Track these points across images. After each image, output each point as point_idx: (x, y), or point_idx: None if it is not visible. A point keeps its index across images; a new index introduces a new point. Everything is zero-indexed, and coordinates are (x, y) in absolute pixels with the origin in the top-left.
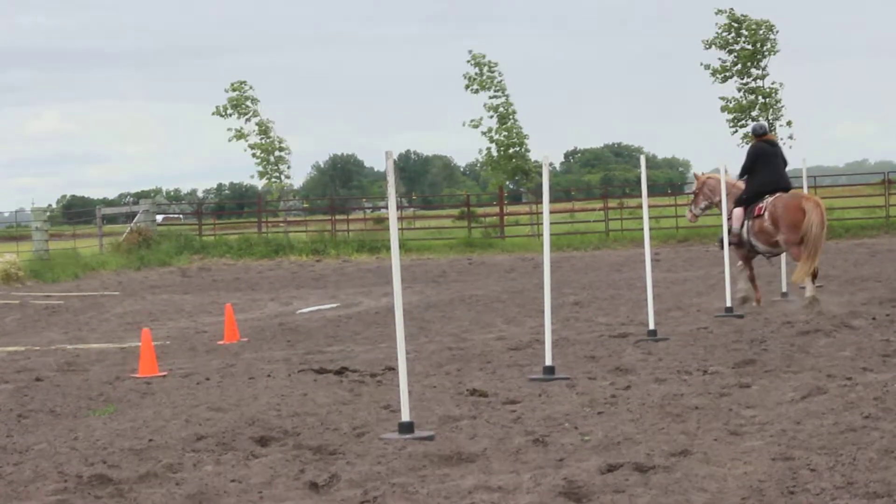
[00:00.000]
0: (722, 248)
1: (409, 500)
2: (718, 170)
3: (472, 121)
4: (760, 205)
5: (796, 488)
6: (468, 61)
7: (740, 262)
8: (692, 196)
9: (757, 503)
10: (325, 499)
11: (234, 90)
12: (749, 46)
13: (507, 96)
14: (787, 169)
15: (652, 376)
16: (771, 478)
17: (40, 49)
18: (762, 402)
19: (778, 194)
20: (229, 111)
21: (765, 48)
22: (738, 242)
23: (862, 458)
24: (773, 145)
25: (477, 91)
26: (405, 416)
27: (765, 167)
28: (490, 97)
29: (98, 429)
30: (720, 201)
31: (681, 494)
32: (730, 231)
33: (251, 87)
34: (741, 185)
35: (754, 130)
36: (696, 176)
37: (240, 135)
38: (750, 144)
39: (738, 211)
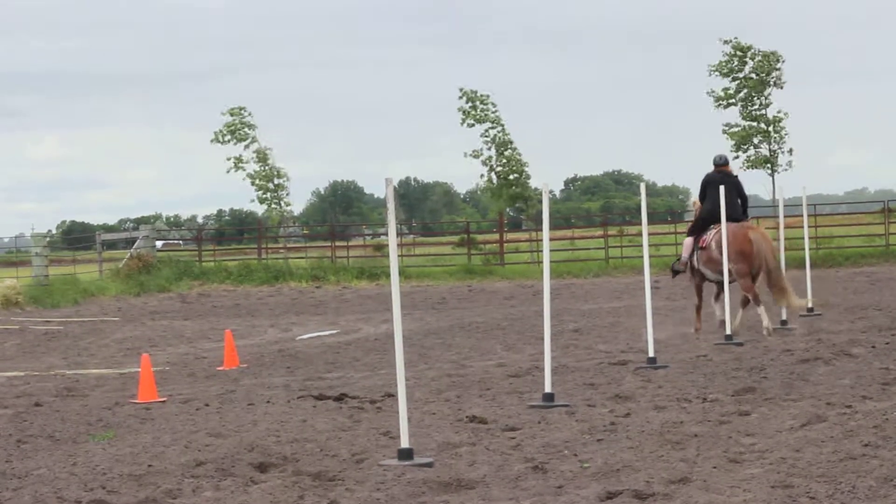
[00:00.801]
0: (674, 276)
1: None
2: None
3: (473, 151)
4: (704, 236)
5: None
6: (459, 97)
7: (716, 291)
8: (691, 223)
9: None
10: None
11: (231, 115)
12: (755, 76)
13: (503, 126)
14: (765, 200)
15: (651, 404)
16: None
17: (41, 73)
18: (762, 429)
19: (721, 226)
20: (227, 137)
21: (770, 78)
22: (690, 270)
23: (861, 487)
24: (728, 176)
25: (472, 125)
26: (404, 443)
27: (713, 197)
28: (486, 130)
29: (97, 454)
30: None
31: None
32: (678, 259)
33: (249, 113)
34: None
35: (714, 160)
36: (694, 203)
37: (238, 163)
38: (705, 174)
39: (688, 241)
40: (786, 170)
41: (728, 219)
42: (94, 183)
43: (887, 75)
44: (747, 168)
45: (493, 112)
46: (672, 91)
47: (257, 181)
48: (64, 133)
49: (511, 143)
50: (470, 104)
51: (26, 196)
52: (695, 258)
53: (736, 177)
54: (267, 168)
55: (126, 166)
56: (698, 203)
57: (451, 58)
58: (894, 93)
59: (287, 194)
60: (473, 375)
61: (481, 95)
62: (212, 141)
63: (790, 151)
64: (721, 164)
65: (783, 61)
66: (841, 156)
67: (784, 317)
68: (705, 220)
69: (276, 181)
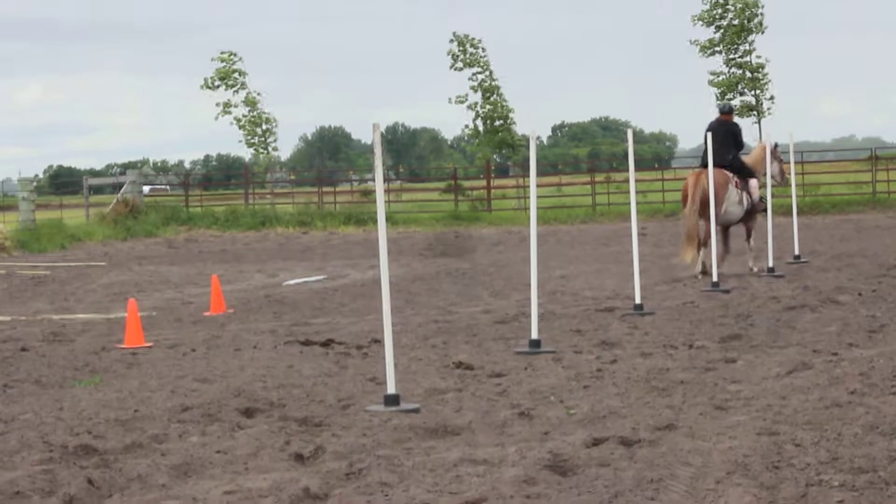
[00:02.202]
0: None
1: (394, 472)
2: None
3: (457, 97)
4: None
5: (781, 463)
6: (451, 40)
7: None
8: None
9: (741, 478)
10: (311, 470)
11: (222, 61)
12: (736, 23)
13: (490, 72)
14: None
15: (638, 350)
16: (756, 452)
17: (27, 20)
18: (748, 377)
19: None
20: (217, 83)
21: (751, 24)
22: None
23: (847, 434)
24: (724, 124)
25: (461, 69)
26: (391, 389)
27: (709, 144)
28: (474, 74)
29: (84, 399)
30: (764, 172)
31: (665, 468)
32: None
33: (240, 59)
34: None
35: (719, 108)
36: None
37: (227, 108)
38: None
39: None
40: (766, 116)
41: (715, 165)
42: (80, 128)
43: (876, 22)
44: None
45: (482, 56)
46: (660, 38)
47: (246, 126)
48: (50, 79)
49: (498, 88)
50: (460, 48)
51: (12, 141)
52: None
53: (735, 124)
54: (255, 113)
55: (113, 112)
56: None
57: (441, 6)
58: (883, 41)
59: (275, 140)
60: (460, 322)
61: (473, 39)
62: (202, 86)
63: (772, 98)
64: (724, 111)
65: (763, 6)
66: (829, 103)
67: (770, 263)
68: (701, 166)
69: (263, 127)
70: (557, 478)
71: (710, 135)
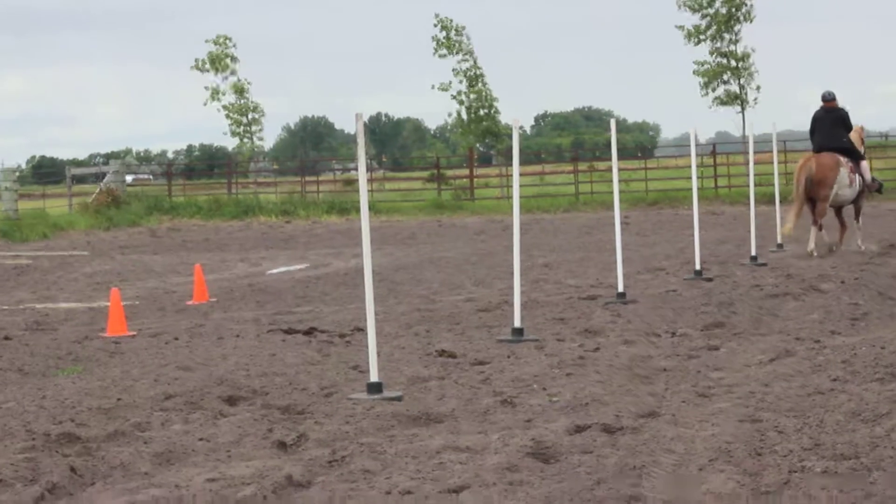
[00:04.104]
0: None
1: (376, 459)
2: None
3: (440, 84)
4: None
5: (764, 450)
6: (435, 25)
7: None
8: None
9: (724, 465)
10: (293, 458)
11: (216, 44)
12: (724, 10)
13: (474, 59)
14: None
15: (620, 338)
16: (738, 439)
17: (7, 8)
18: (730, 364)
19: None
20: (207, 67)
21: (739, 13)
22: None
23: (829, 421)
24: (830, 111)
25: (445, 55)
26: (374, 377)
27: (817, 131)
28: (458, 61)
29: (66, 388)
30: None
31: (648, 455)
32: None
33: (234, 44)
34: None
35: (822, 96)
36: None
37: (215, 93)
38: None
39: None
40: (751, 106)
41: (827, 148)
42: (63, 118)
43: (862, 11)
44: (717, 105)
45: (466, 43)
46: (643, 28)
47: (233, 114)
48: (32, 69)
49: (482, 76)
50: (444, 34)
51: None
52: None
53: (841, 109)
54: (243, 101)
55: (95, 101)
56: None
57: None
58: (868, 31)
59: (260, 129)
60: (443, 310)
61: (457, 26)
62: (192, 67)
63: (758, 88)
64: (828, 99)
65: None
66: (813, 93)
67: (754, 252)
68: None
69: (250, 115)
70: (540, 465)
71: (817, 123)
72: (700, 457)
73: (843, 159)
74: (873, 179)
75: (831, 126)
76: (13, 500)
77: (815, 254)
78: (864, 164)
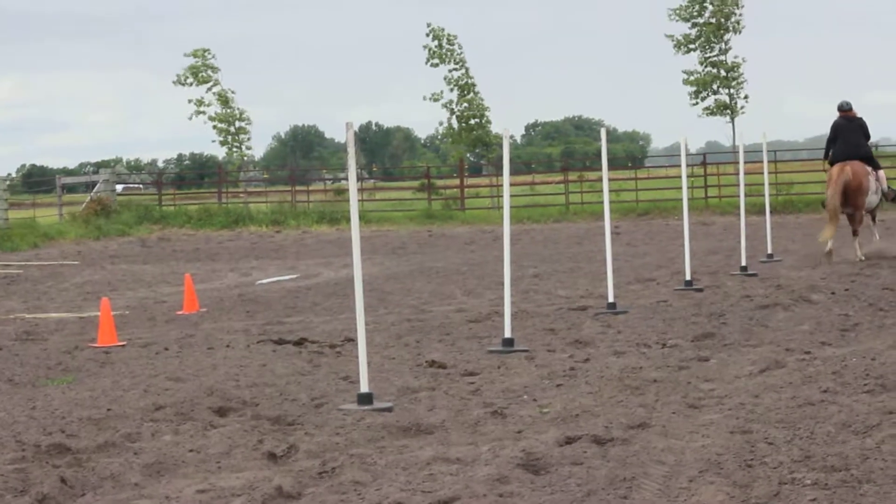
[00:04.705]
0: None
1: (367, 471)
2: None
3: (433, 94)
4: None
5: (754, 461)
6: (427, 34)
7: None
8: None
9: (714, 476)
10: (284, 469)
11: (194, 57)
12: (713, 21)
13: (466, 69)
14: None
15: (611, 349)
16: (729, 451)
17: None
18: (721, 375)
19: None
20: (189, 80)
21: (729, 23)
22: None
23: (820, 432)
24: (851, 120)
25: (436, 65)
26: (364, 388)
27: (839, 140)
28: (450, 70)
29: (56, 398)
30: None
31: (639, 467)
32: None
33: (213, 56)
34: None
35: (839, 106)
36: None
37: (200, 105)
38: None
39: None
40: (737, 116)
41: (853, 157)
42: (54, 126)
43: (850, 21)
44: (707, 115)
45: (458, 53)
46: (633, 37)
47: (218, 123)
48: (23, 76)
49: (474, 86)
50: (436, 42)
51: None
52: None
53: (860, 118)
54: (229, 110)
55: (86, 110)
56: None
57: (415, 3)
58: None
59: (248, 138)
60: (433, 320)
61: (449, 35)
62: (174, 82)
63: (746, 98)
64: (846, 109)
65: (742, 6)
66: (803, 103)
67: (744, 262)
68: (833, 161)
69: (237, 124)
70: (530, 476)
71: (838, 131)
72: (690, 468)
73: (868, 168)
74: (889, 188)
75: (853, 134)
76: None
77: (864, 258)
78: (881, 172)
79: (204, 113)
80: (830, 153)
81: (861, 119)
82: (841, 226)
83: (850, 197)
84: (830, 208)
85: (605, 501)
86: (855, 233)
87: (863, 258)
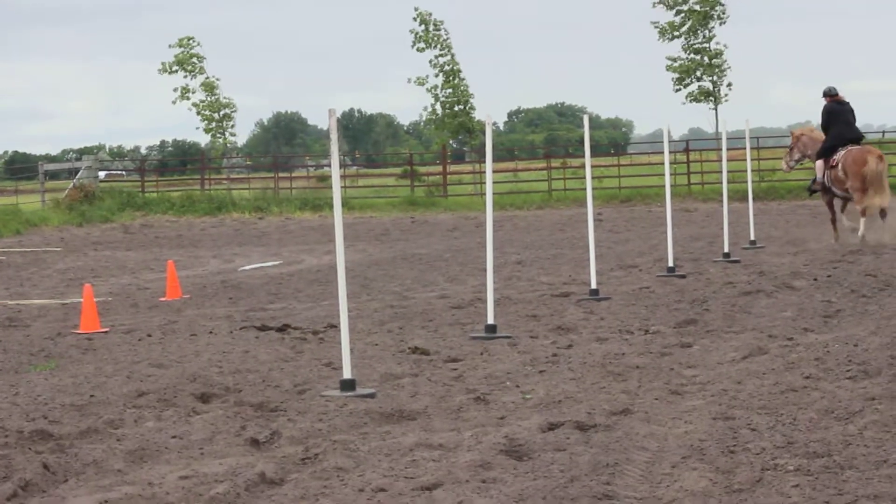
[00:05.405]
0: (811, 194)
1: (350, 457)
2: (808, 123)
3: (417, 78)
4: (835, 157)
5: (736, 447)
6: (414, 18)
7: (842, 204)
8: (787, 149)
9: (697, 462)
10: (266, 455)
11: (180, 46)
12: (699, 8)
13: (452, 54)
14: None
15: (593, 335)
16: (711, 437)
17: None
18: (703, 361)
19: (849, 147)
20: (175, 68)
21: (714, 12)
22: (822, 189)
23: (802, 418)
24: (842, 104)
25: (422, 49)
26: (347, 374)
27: (836, 124)
28: (436, 55)
29: (39, 384)
30: (812, 154)
31: (621, 453)
32: (814, 181)
33: (198, 44)
34: (820, 135)
35: (825, 92)
36: (791, 132)
37: (185, 93)
38: (823, 105)
39: (820, 162)
40: (721, 104)
41: (850, 141)
42: (36, 113)
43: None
44: (690, 102)
45: (444, 38)
46: (615, 24)
47: (203, 112)
48: (5, 65)
49: (459, 72)
50: (423, 27)
51: None
52: (825, 177)
53: (848, 103)
54: (213, 98)
55: (68, 97)
56: (796, 131)
57: None
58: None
59: (233, 125)
60: (416, 307)
61: (436, 20)
62: (160, 71)
63: (729, 85)
64: (835, 94)
65: None
66: (785, 91)
67: (727, 249)
68: (833, 145)
69: (222, 112)
70: (513, 462)
71: (832, 116)
72: (673, 454)
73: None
74: None
75: (849, 118)
76: None
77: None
78: None
79: (188, 100)
80: (827, 137)
81: (849, 103)
82: (821, 211)
83: (875, 179)
84: (857, 190)
85: (587, 487)
86: (884, 215)
87: (864, 236)
